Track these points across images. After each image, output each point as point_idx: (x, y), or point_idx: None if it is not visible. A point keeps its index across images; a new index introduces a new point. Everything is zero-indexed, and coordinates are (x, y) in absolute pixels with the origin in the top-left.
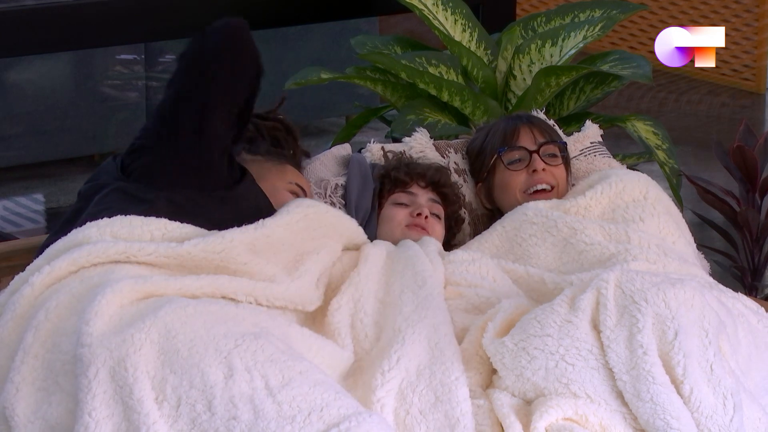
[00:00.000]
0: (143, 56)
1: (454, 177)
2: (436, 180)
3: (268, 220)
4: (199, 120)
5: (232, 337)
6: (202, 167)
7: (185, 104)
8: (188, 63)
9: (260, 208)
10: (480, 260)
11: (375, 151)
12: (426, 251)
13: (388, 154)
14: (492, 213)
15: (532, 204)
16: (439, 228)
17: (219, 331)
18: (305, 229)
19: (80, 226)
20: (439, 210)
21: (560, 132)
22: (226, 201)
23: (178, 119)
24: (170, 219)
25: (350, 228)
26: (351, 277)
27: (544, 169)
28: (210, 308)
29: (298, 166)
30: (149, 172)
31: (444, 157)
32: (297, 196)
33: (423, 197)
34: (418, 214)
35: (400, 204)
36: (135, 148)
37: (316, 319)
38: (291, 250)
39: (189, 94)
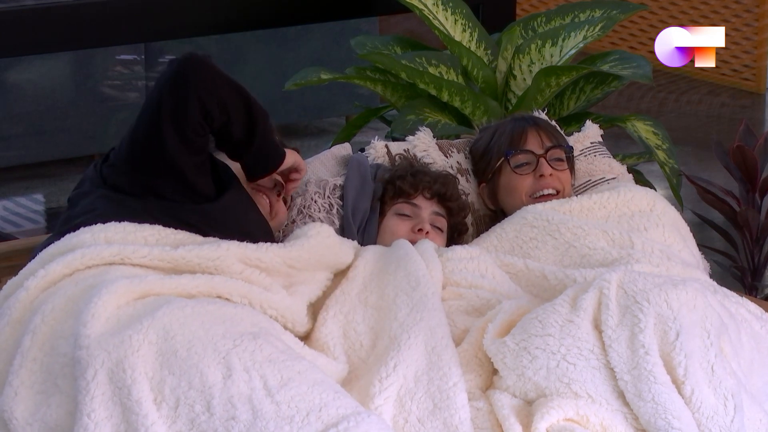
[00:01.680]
0: (143, 56)
1: (456, 176)
2: (442, 193)
3: (270, 246)
4: (159, 143)
5: (230, 337)
6: (166, 183)
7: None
8: (151, 93)
9: (242, 225)
10: (479, 257)
11: (379, 148)
12: (421, 250)
13: (396, 157)
14: (495, 214)
15: (531, 207)
16: (439, 240)
17: (217, 331)
18: (298, 260)
19: (74, 231)
20: (442, 222)
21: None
22: (208, 215)
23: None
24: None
25: (348, 258)
26: (335, 293)
27: (551, 174)
28: (208, 308)
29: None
30: (128, 185)
31: (447, 157)
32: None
33: (426, 210)
34: (419, 230)
35: (403, 215)
36: (111, 162)
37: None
38: (284, 277)
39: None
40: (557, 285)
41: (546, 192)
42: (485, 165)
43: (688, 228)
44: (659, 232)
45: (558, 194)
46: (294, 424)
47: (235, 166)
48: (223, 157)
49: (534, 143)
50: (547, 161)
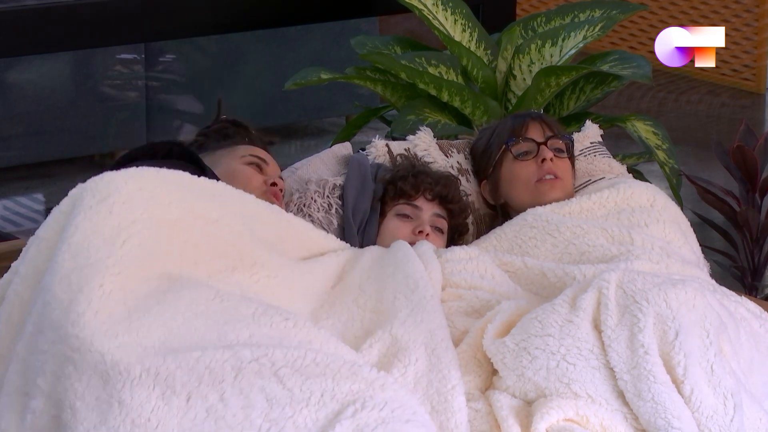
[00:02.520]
0: (143, 56)
1: (457, 176)
2: (443, 195)
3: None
4: None
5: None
6: None
7: None
8: None
9: None
10: (478, 258)
11: (380, 147)
12: (420, 251)
13: (398, 157)
14: (495, 211)
15: (531, 210)
16: (439, 242)
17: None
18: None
19: None
20: (443, 224)
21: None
22: None
23: None
24: None
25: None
26: (333, 300)
27: (552, 159)
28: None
29: (263, 148)
30: None
31: (447, 157)
32: (258, 167)
33: (427, 212)
34: (420, 232)
35: (403, 216)
36: None
37: None
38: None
39: None
40: (556, 282)
41: (548, 177)
42: (486, 160)
43: (689, 223)
44: (659, 227)
45: (559, 181)
46: (311, 405)
47: (228, 173)
48: (210, 162)
49: (535, 132)
50: (548, 148)
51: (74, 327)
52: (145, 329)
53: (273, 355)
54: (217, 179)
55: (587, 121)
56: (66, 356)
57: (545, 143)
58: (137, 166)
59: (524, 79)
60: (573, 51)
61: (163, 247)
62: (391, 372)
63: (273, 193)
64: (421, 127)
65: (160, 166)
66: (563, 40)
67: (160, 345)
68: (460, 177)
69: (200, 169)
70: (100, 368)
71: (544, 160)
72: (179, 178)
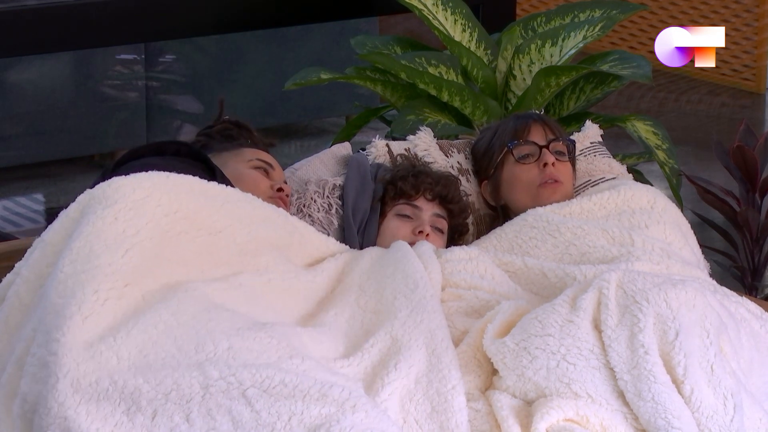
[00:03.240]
0: (143, 56)
1: (457, 176)
2: (443, 195)
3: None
4: None
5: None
6: None
7: None
8: None
9: None
10: (478, 258)
11: (380, 147)
12: (420, 252)
13: (398, 157)
14: (496, 212)
15: (531, 210)
16: (439, 242)
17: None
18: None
19: None
20: (443, 224)
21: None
22: None
23: None
24: None
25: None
26: (333, 301)
27: (553, 163)
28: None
29: (264, 150)
30: None
31: (447, 157)
32: (265, 171)
33: (427, 212)
34: (420, 232)
35: (403, 216)
36: None
37: None
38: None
39: None
40: (557, 282)
41: (550, 181)
42: (487, 161)
43: (689, 225)
44: (660, 229)
45: (561, 186)
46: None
47: (234, 176)
48: (218, 162)
49: (537, 135)
50: (549, 152)
51: (57, 331)
52: (124, 337)
53: (240, 375)
54: (227, 180)
55: (587, 121)
56: (45, 360)
57: (547, 146)
58: (147, 170)
59: (524, 79)
60: (573, 51)
61: (165, 258)
62: (397, 370)
63: (280, 198)
64: (421, 127)
65: (171, 167)
66: (563, 40)
67: (137, 353)
68: (460, 177)
69: (209, 170)
70: (71, 376)
71: (546, 164)
72: (189, 185)
